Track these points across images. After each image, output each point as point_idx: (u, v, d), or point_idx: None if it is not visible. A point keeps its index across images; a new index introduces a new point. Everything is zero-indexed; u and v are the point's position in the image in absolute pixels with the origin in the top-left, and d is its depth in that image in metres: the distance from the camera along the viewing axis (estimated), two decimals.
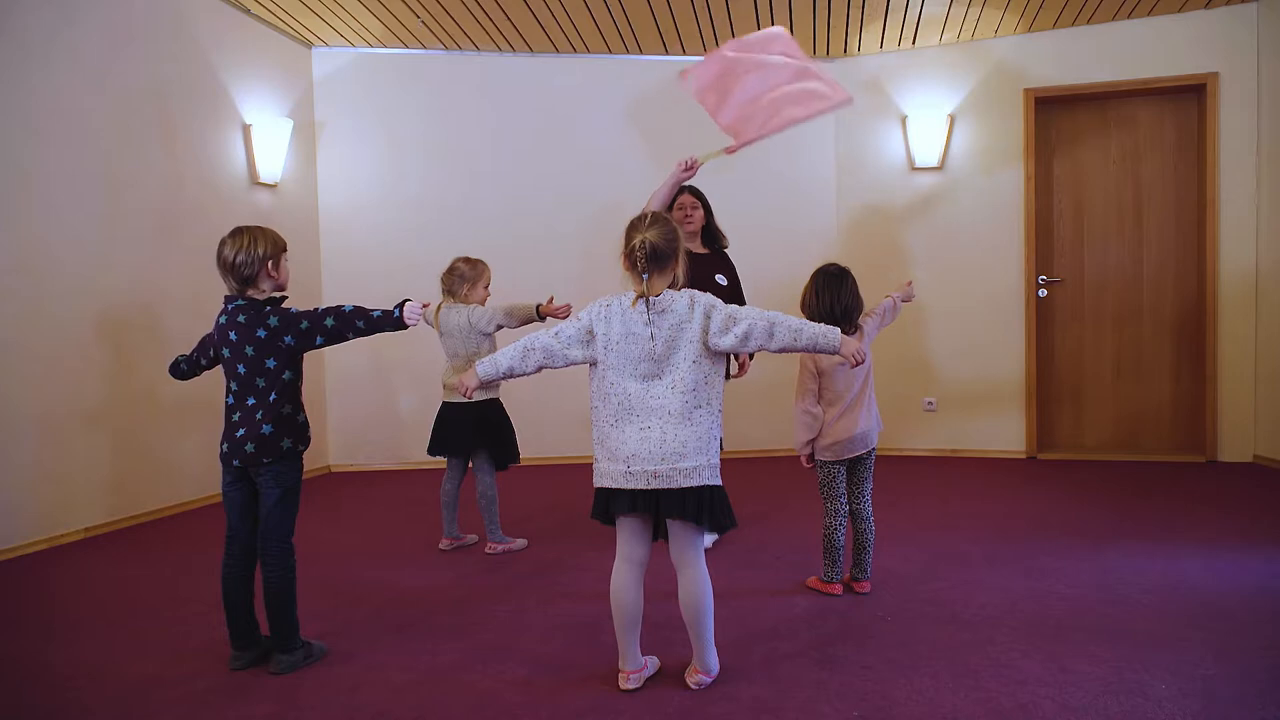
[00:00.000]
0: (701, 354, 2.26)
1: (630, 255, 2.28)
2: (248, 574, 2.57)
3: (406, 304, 2.49)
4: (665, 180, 3.64)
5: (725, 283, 3.90)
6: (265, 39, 5.35)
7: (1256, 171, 5.30)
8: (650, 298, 2.26)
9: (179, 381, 2.81)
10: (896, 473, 5.28)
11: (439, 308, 3.79)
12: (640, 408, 2.26)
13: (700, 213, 4.00)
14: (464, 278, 3.78)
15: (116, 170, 4.32)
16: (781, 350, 2.29)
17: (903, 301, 3.30)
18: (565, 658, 2.57)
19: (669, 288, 2.30)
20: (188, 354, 2.74)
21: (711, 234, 4.04)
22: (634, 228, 2.31)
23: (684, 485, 2.23)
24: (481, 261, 3.84)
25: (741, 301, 3.90)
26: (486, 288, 3.85)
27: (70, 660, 2.62)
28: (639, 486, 2.25)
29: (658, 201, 3.63)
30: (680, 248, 2.33)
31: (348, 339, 2.51)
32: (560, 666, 2.51)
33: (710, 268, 3.90)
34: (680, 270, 2.33)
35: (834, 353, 2.29)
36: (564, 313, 3.63)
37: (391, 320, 2.47)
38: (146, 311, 4.48)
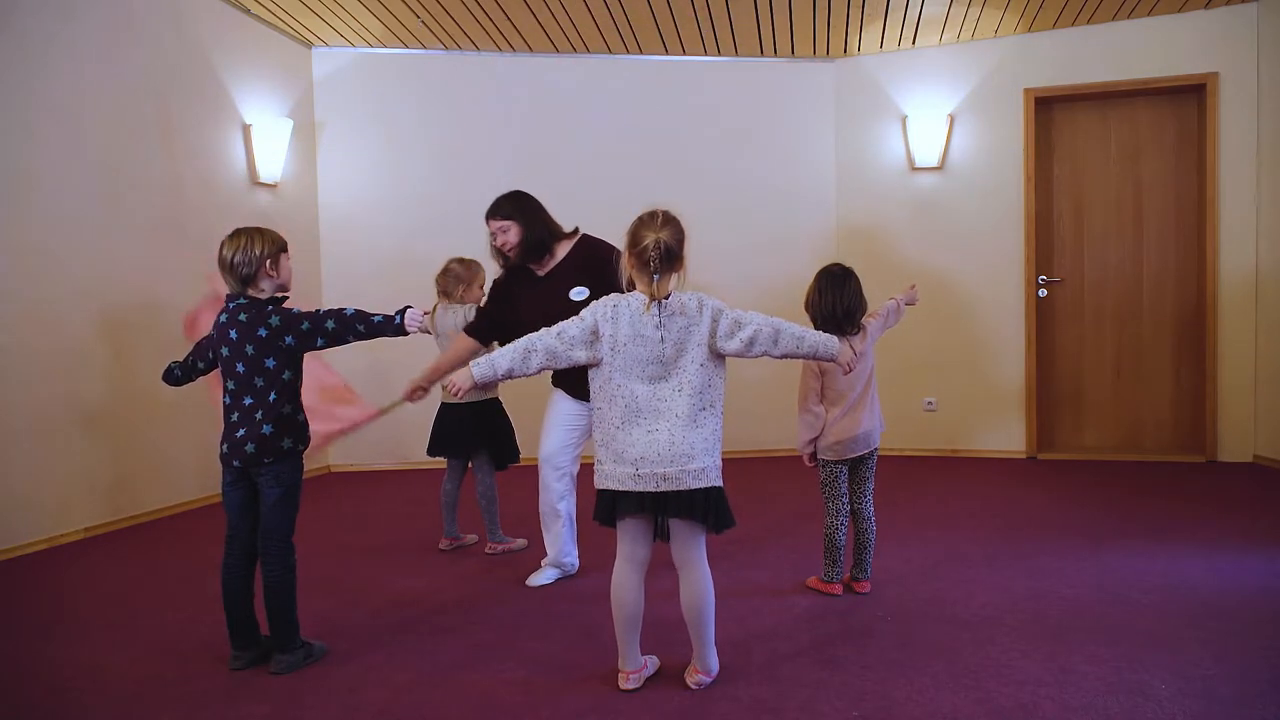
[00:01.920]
0: (708, 357, 2.26)
1: (641, 254, 2.25)
2: (248, 574, 2.56)
3: (408, 311, 2.49)
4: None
5: (585, 295, 3.12)
6: (265, 39, 5.35)
7: (1256, 171, 5.30)
8: (661, 300, 2.25)
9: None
10: (896, 473, 5.28)
11: (434, 309, 3.79)
12: (648, 410, 2.25)
13: (513, 231, 3.24)
14: (459, 278, 3.78)
15: (116, 170, 4.31)
16: (785, 356, 2.30)
17: (906, 304, 3.30)
18: (565, 658, 2.57)
19: (675, 287, 2.29)
20: (181, 360, 2.74)
21: (541, 240, 3.23)
22: (645, 226, 2.28)
23: (693, 487, 2.22)
24: (475, 261, 3.84)
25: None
26: (481, 288, 3.85)
27: (70, 660, 2.62)
28: (648, 489, 2.23)
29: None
30: (686, 248, 2.32)
31: (348, 342, 2.51)
32: (560, 666, 2.51)
33: (557, 285, 3.16)
34: (684, 271, 2.32)
35: (833, 360, 2.33)
36: None
37: (392, 326, 2.48)
38: (146, 311, 4.48)
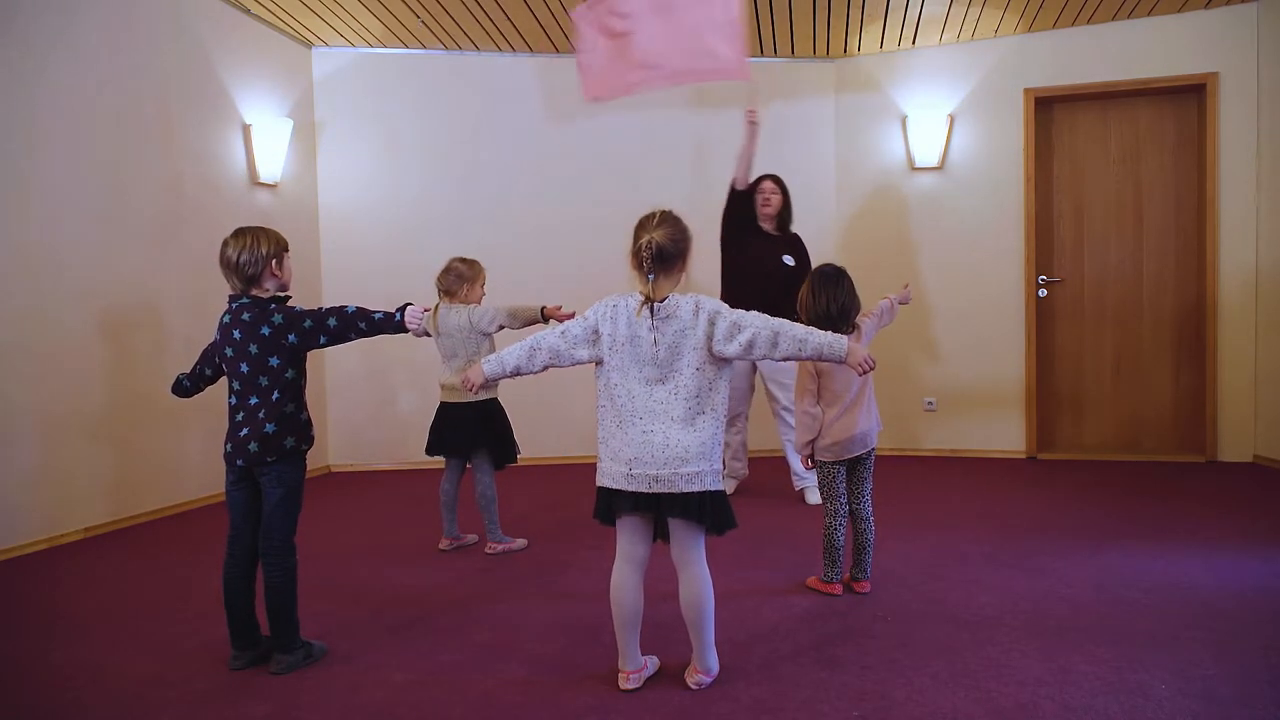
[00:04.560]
0: (705, 361, 2.25)
1: (636, 255, 2.26)
2: (249, 574, 2.57)
3: (408, 308, 2.50)
4: (746, 142, 4.40)
5: (792, 263, 4.49)
6: (265, 39, 5.35)
7: (1256, 171, 5.30)
8: (655, 303, 2.24)
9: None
10: (896, 473, 5.28)
11: (435, 308, 3.79)
12: (644, 411, 2.25)
13: (779, 198, 4.57)
14: (462, 277, 3.78)
15: (116, 170, 4.32)
16: (786, 359, 2.27)
17: (900, 304, 3.31)
18: (565, 658, 2.57)
19: (676, 290, 2.28)
20: (188, 370, 2.74)
21: (786, 219, 4.62)
22: (642, 226, 2.28)
23: (685, 490, 2.22)
24: (477, 261, 3.84)
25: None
26: (482, 287, 3.86)
27: (70, 660, 2.63)
28: (641, 489, 2.24)
29: (745, 163, 4.42)
30: (689, 249, 2.30)
31: (350, 339, 2.52)
32: (560, 666, 2.51)
33: (778, 249, 4.54)
34: (686, 273, 2.31)
35: (840, 362, 2.24)
36: (569, 319, 3.61)
37: (393, 323, 2.49)
38: (147, 311, 4.48)
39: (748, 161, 4.45)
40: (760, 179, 4.59)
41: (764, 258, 4.52)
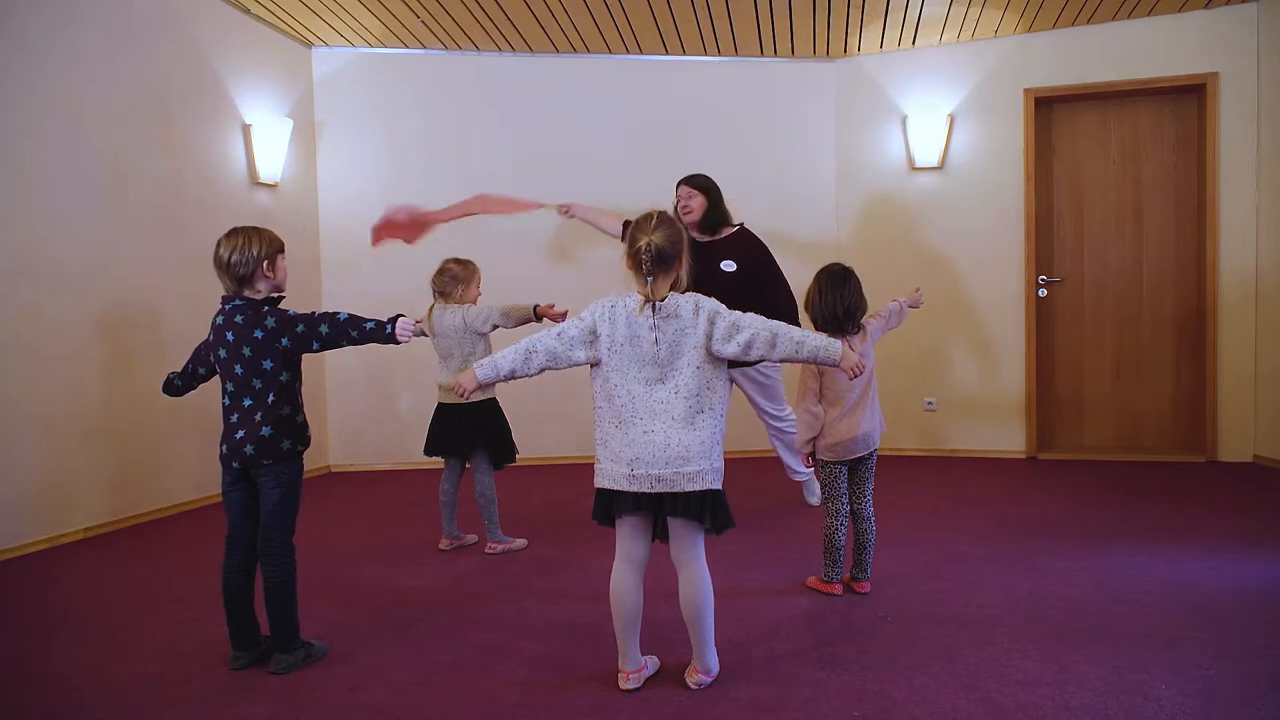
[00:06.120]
0: (704, 360, 2.25)
1: (635, 257, 2.27)
2: (248, 575, 2.57)
3: (399, 319, 2.49)
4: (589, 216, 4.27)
5: (733, 268, 3.95)
6: (265, 39, 5.35)
7: (1256, 171, 5.30)
8: (655, 302, 2.25)
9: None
10: (897, 473, 5.28)
11: (430, 310, 3.79)
12: (644, 411, 2.25)
13: (698, 200, 3.98)
14: (457, 278, 3.77)
15: (116, 170, 4.32)
16: (784, 360, 2.28)
17: (910, 307, 3.30)
18: (565, 658, 2.57)
19: (673, 289, 2.29)
20: (179, 370, 2.74)
21: (715, 220, 3.99)
22: (639, 229, 2.29)
23: (688, 490, 2.23)
24: (472, 261, 3.84)
25: (770, 276, 4.00)
26: (478, 287, 3.85)
27: (70, 660, 2.63)
28: (642, 490, 2.24)
29: (603, 219, 4.16)
30: (685, 249, 2.32)
31: (342, 346, 2.51)
32: (560, 666, 2.51)
33: (715, 255, 3.93)
34: (684, 271, 2.32)
35: (834, 365, 2.28)
36: (561, 317, 3.61)
37: (383, 334, 2.47)
38: (146, 311, 4.48)
39: (601, 222, 4.34)
40: (678, 185, 4.09)
41: (699, 272, 4.08)
